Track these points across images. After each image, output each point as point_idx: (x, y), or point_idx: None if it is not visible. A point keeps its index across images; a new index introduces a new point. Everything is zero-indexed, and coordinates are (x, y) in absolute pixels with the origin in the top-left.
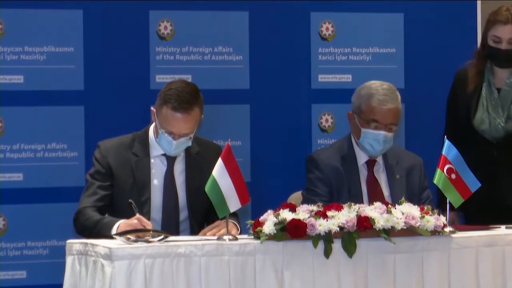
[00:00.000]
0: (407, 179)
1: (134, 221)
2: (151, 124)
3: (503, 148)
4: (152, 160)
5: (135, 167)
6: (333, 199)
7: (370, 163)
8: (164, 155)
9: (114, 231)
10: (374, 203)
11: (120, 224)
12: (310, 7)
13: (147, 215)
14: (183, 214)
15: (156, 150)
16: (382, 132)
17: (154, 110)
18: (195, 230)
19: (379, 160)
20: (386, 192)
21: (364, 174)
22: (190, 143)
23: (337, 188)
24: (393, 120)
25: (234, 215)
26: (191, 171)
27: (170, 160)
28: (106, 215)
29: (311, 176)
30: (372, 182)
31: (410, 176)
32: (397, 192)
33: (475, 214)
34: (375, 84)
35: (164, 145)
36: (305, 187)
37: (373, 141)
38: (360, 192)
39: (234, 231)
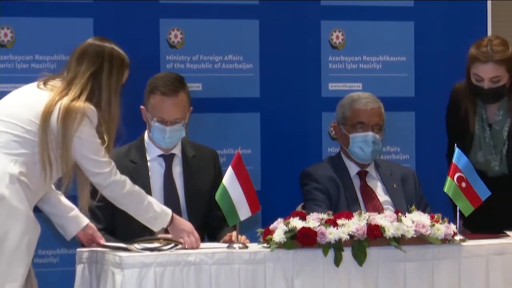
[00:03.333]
0: (403, 188)
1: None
2: (146, 130)
3: (500, 180)
4: (149, 164)
5: (133, 174)
6: (332, 206)
7: (362, 174)
8: (161, 156)
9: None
10: (372, 211)
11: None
12: (320, 15)
13: None
14: (184, 218)
15: (152, 153)
16: (370, 133)
17: (143, 108)
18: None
19: (371, 171)
20: (381, 199)
21: (357, 183)
22: (183, 134)
23: (335, 197)
24: (378, 120)
25: None
26: (189, 173)
27: (168, 161)
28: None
29: (307, 188)
30: (366, 190)
31: (405, 185)
32: (397, 200)
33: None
34: (356, 93)
35: (158, 135)
36: (303, 200)
37: (363, 143)
38: (356, 200)
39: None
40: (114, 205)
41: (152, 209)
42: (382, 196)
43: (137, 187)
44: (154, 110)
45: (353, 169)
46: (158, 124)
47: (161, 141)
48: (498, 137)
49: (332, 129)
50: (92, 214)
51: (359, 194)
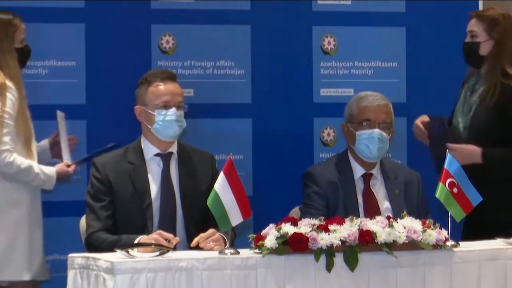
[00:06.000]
0: (406, 193)
1: (154, 236)
2: (141, 134)
3: None
4: (147, 164)
5: (132, 175)
6: (330, 212)
7: (367, 177)
8: (159, 155)
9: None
10: (376, 217)
11: (141, 240)
12: (312, 21)
13: (150, 220)
14: (179, 217)
15: (149, 152)
16: (376, 130)
17: (139, 107)
18: (192, 236)
19: (376, 174)
20: (382, 205)
21: (360, 187)
22: (185, 124)
23: (333, 202)
24: (385, 117)
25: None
26: (185, 173)
27: (165, 160)
28: (123, 236)
29: (308, 190)
30: (368, 195)
31: (408, 190)
32: (398, 206)
33: None
34: (365, 92)
35: (165, 123)
36: (302, 202)
37: (368, 140)
38: (356, 205)
39: (218, 245)
40: (115, 205)
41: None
42: (383, 202)
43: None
44: (157, 98)
45: (358, 171)
46: (164, 110)
47: (168, 128)
48: (466, 102)
49: (340, 128)
50: (94, 214)
51: (360, 198)
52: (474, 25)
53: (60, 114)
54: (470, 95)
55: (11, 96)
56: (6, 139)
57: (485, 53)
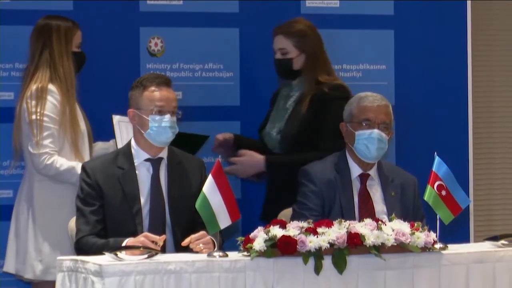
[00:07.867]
0: (401, 196)
1: (141, 239)
2: (131, 137)
3: None
4: (137, 169)
5: (122, 180)
6: (325, 212)
7: (364, 177)
8: (149, 160)
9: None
10: (365, 218)
11: (128, 243)
12: None
13: (140, 225)
14: (167, 223)
15: (139, 157)
16: (376, 130)
17: (132, 110)
18: (179, 242)
19: (373, 175)
20: (378, 207)
21: (357, 187)
22: (177, 130)
23: (329, 201)
24: (385, 118)
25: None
26: (173, 178)
27: (155, 165)
28: (110, 239)
29: (304, 189)
30: (364, 196)
31: (404, 194)
32: (393, 209)
33: None
34: (365, 92)
35: (159, 129)
36: (296, 201)
37: (368, 140)
38: (352, 206)
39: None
40: (105, 210)
41: None
42: (379, 204)
43: None
44: (151, 103)
45: (355, 171)
46: (159, 116)
47: (162, 134)
48: (283, 109)
49: (340, 128)
50: (84, 218)
51: (356, 198)
52: (282, 42)
53: (116, 118)
54: (285, 103)
55: (52, 99)
56: (46, 142)
57: (299, 67)
